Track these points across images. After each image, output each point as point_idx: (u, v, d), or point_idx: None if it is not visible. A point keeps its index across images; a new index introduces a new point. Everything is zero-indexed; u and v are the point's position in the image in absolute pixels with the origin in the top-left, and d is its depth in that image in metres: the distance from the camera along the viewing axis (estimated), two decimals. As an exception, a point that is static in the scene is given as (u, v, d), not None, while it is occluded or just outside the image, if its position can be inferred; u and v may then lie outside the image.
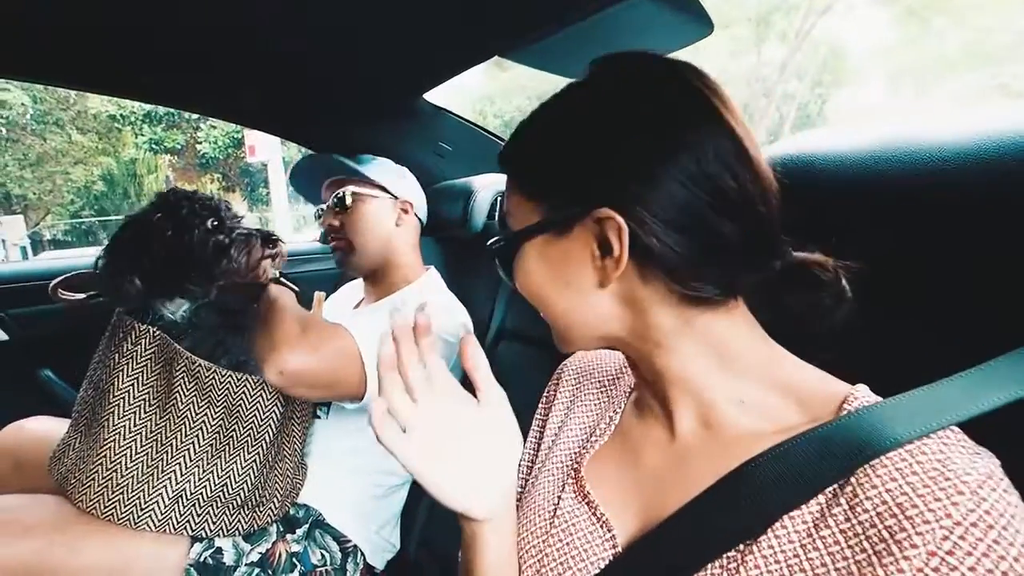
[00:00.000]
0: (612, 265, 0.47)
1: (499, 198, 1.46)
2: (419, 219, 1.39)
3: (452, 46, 1.24)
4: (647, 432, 0.57)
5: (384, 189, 1.28)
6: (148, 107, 13.05)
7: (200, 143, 14.11)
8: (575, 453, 0.62)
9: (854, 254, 0.57)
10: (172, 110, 13.16)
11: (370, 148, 1.26)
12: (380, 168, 1.31)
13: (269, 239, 1.07)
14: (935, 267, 0.55)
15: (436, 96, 1.62)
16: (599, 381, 0.69)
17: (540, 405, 0.73)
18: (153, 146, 13.78)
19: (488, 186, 1.43)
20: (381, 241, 1.28)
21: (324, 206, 1.31)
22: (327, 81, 1.42)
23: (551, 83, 0.52)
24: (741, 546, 0.43)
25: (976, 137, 0.52)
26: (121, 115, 13.10)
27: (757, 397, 0.49)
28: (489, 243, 0.56)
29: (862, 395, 0.45)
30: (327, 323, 1.04)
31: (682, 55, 0.49)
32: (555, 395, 0.71)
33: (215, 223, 1.01)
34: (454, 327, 1.15)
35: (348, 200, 1.25)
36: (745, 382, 0.50)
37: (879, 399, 0.45)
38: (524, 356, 1.24)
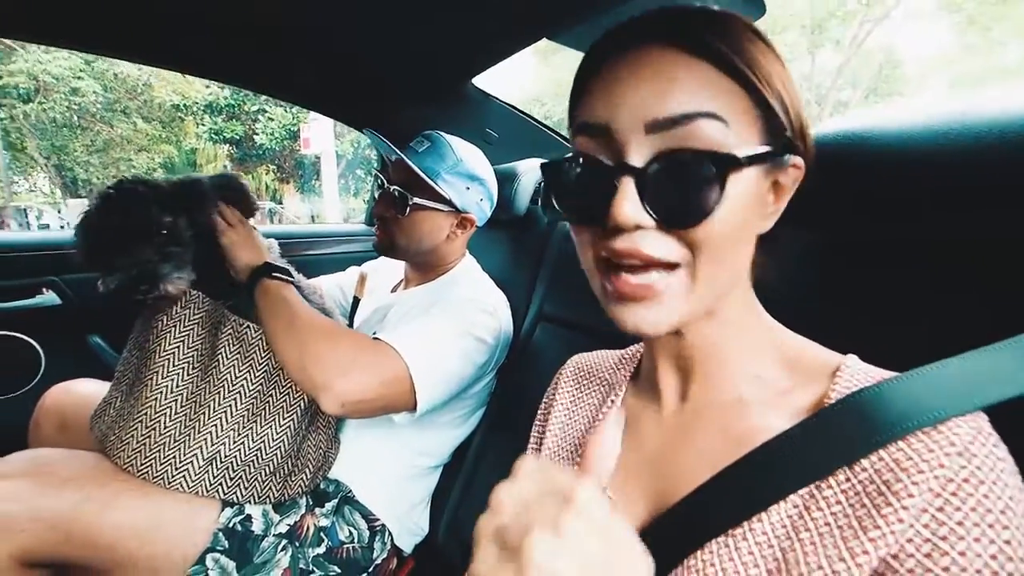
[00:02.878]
0: (774, 215, 0.47)
1: (542, 183, 1.43)
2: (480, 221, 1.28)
3: (500, 30, 1.24)
4: (649, 412, 0.57)
5: (450, 203, 1.18)
6: (210, 97, 13.54)
7: (257, 134, 14.51)
8: (578, 441, 0.62)
9: (913, 230, 0.59)
10: (232, 101, 13.65)
11: (417, 132, 1.23)
12: (455, 173, 1.18)
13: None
14: (997, 244, 0.54)
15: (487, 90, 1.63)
16: (599, 377, 0.68)
17: (539, 411, 0.72)
18: (213, 136, 14.25)
19: (531, 170, 1.42)
20: (426, 248, 1.22)
21: (383, 187, 1.20)
22: (378, 64, 1.43)
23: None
24: None
25: None
26: (184, 105, 13.58)
27: (769, 370, 0.50)
28: (697, 149, 0.41)
29: (853, 364, 0.46)
30: (373, 343, 1.00)
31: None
32: (554, 399, 0.70)
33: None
34: (492, 326, 1.13)
35: (407, 208, 1.15)
36: (762, 355, 0.50)
37: (869, 368, 0.46)
38: (562, 340, 1.22)
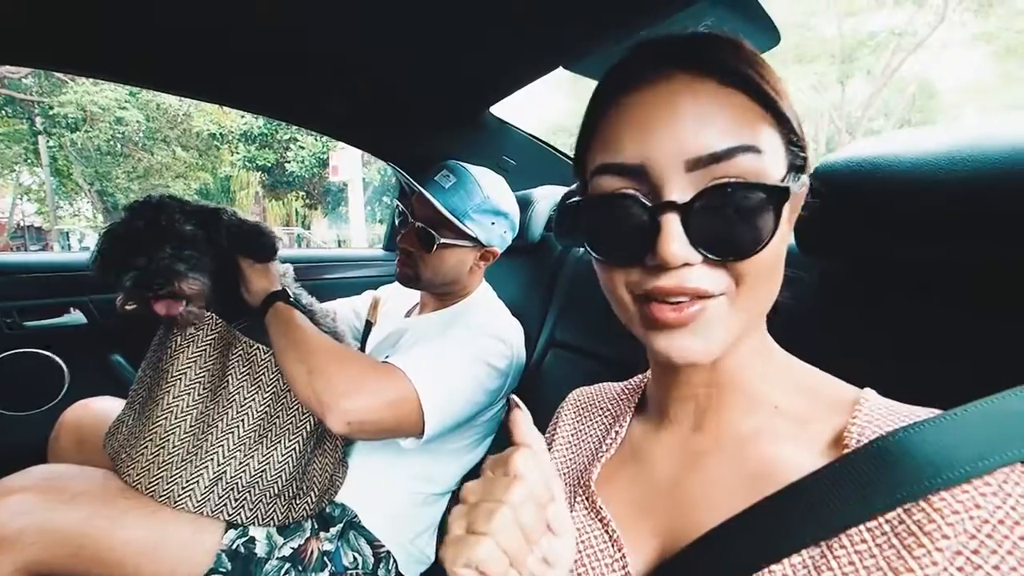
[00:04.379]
0: (788, 233, 0.46)
1: (556, 210, 1.43)
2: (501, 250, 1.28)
3: (516, 59, 1.26)
4: (659, 442, 0.55)
5: (476, 239, 1.19)
6: (245, 126, 14.10)
7: (288, 162, 14.99)
8: (583, 470, 0.60)
9: (924, 256, 0.58)
10: (265, 130, 14.15)
11: (435, 159, 1.25)
12: (482, 211, 1.17)
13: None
14: (1012, 269, 0.53)
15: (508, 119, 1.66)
16: (601, 408, 0.67)
17: None
18: (246, 163, 14.76)
19: (546, 197, 1.42)
20: (450, 280, 1.23)
21: (407, 220, 1.20)
22: (398, 94, 1.46)
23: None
24: None
25: None
26: (220, 134, 14.20)
27: (785, 401, 0.48)
28: (747, 182, 0.40)
29: (872, 398, 0.45)
30: (383, 366, 1.01)
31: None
32: (555, 433, 0.69)
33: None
34: (504, 353, 1.13)
35: (433, 246, 1.16)
36: (778, 384, 0.49)
37: (889, 402, 0.45)
38: (573, 366, 1.21)
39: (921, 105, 15.98)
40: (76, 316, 1.50)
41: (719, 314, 0.43)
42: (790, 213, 0.45)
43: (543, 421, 0.72)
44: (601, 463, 0.58)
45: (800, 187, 0.45)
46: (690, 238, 0.41)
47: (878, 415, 0.43)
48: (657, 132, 0.41)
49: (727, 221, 0.40)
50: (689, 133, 0.40)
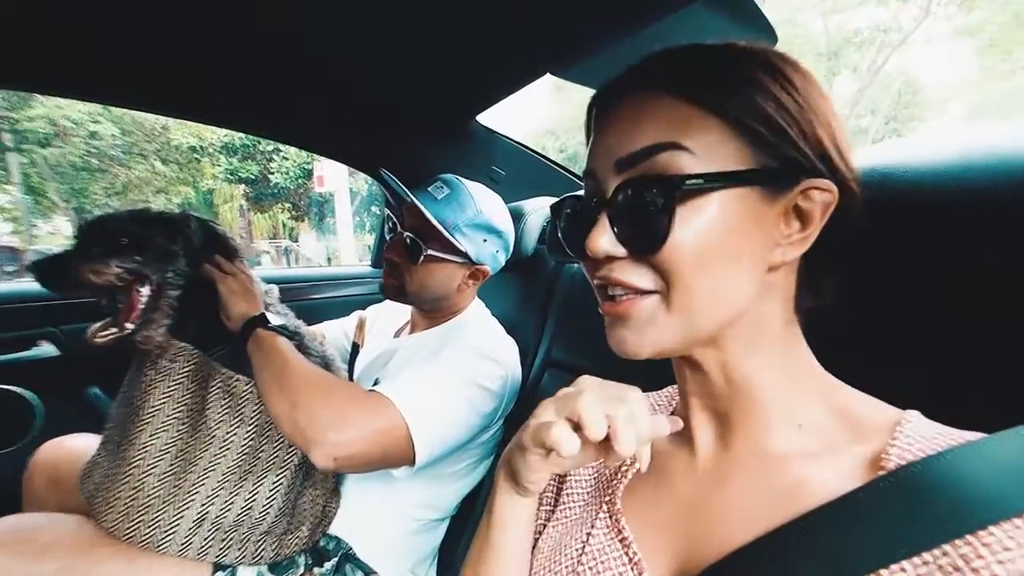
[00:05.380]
0: (798, 244, 0.45)
1: (549, 222, 1.39)
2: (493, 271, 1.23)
3: (502, 67, 1.23)
4: (681, 459, 0.55)
5: (466, 255, 1.13)
6: (226, 139, 13.92)
7: (272, 174, 14.81)
8: (605, 484, 0.59)
9: (935, 268, 0.55)
10: (248, 142, 14.00)
11: (422, 172, 1.20)
12: (474, 226, 1.12)
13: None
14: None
15: (496, 128, 1.64)
16: None
17: None
18: (229, 176, 14.56)
19: (538, 209, 1.39)
20: (436, 296, 1.17)
21: (395, 229, 1.16)
22: (381, 105, 1.43)
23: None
24: None
25: None
26: (201, 146, 13.97)
27: (814, 420, 0.47)
28: (647, 176, 0.43)
29: (915, 420, 0.43)
30: (369, 395, 0.95)
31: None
32: None
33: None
34: (498, 374, 1.08)
35: (420, 258, 1.11)
36: (807, 403, 0.48)
37: (934, 425, 0.42)
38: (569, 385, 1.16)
39: (907, 101, 16.24)
40: (47, 348, 1.42)
41: (652, 313, 0.45)
42: (800, 217, 0.44)
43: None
44: (626, 480, 0.57)
45: (784, 187, 0.43)
46: (616, 234, 0.45)
47: (922, 438, 0.40)
48: (600, 140, 0.47)
49: (635, 215, 0.43)
50: (619, 137, 0.45)
